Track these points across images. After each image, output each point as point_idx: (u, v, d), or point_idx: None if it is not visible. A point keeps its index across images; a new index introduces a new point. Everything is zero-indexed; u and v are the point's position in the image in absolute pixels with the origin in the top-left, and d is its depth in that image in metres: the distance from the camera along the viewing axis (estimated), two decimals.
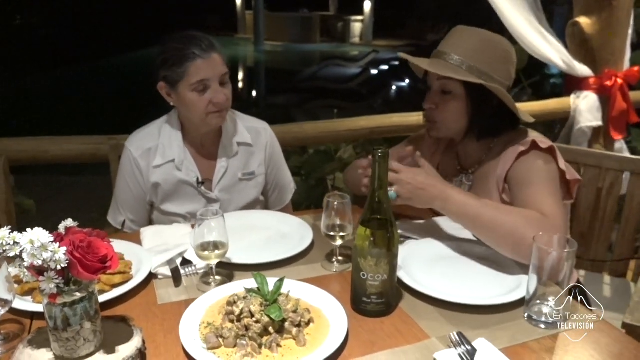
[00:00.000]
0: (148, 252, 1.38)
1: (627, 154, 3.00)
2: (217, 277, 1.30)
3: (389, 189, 1.34)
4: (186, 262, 1.37)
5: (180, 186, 1.69)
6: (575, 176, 1.45)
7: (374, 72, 14.53)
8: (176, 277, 1.30)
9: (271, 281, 1.15)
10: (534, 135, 1.48)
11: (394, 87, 12.70)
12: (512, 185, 1.45)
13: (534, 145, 1.42)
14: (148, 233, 1.51)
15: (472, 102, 1.47)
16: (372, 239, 1.12)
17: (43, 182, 4.89)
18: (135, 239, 1.50)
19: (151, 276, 1.30)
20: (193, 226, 1.56)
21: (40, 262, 0.86)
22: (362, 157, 1.56)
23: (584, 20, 2.84)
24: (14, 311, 1.10)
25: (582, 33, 2.83)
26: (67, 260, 0.87)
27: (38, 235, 0.84)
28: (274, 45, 20.61)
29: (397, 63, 15.28)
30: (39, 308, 1.13)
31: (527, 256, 1.17)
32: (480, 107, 1.47)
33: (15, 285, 1.15)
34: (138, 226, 1.75)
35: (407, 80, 12.65)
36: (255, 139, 1.78)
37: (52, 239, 0.86)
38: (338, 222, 1.35)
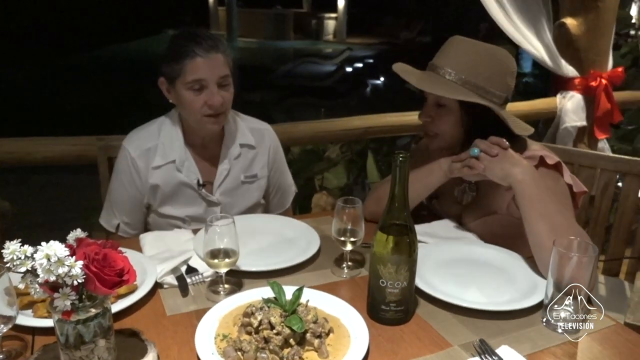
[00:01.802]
0: (151, 259, 1.32)
1: (609, 153, 3.05)
2: (227, 286, 1.25)
3: (472, 147, 1.38)
4: (191, 270, 1.32)
5: (180, 188, 1.63)
6: (582, 188, 1.44)
7: (349, 69, 14.50)
8: (183, 286, 1.25)
9: (285, 289, 1.11)
10: (536, 147, 1.47)
11: (369, 85, 12.71)
12: None
13: (542, 162, 1.41)
14: (148, 239, 1.45)
15: (467, 116, 1.45)
16: (392, 245, 1.09)
17: (15, 181, 4.72)
18: (134, 245, 1.44)
19: (157, 285, 1.25)
20: (195, 231, 1.51)
21: (54, 278, 0.80)
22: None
23: (570, 21, 2.86)
24: (12, 326, 1.03)
25: (569, 34, 2.85)
26: (83, 275, 0.81)
27: (55, 249, 0.78)
28: (248, 42, 20.37)
29: (371, 61, 15.31)
30: (40, 323, 1.07)
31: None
32: (476, 121, 1.45)
33: None
34: (133, 230, 1.69)
35: (382, 79, 12.69)
36: (258, 140, 1.73)
37: (68, 252, 0.80)
38: (349, 226, 1.32)
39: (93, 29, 16.79)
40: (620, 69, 2.96)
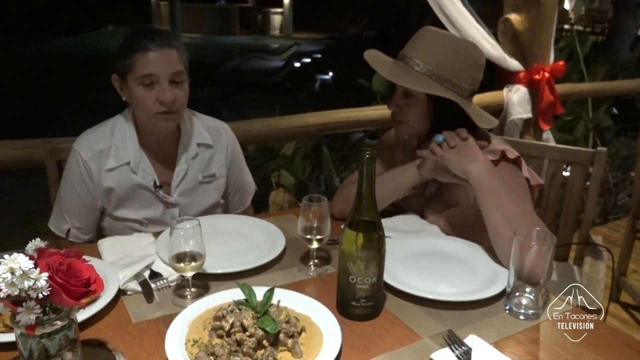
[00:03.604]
0: (112, 266, 1.27)
1: (553, 143, 3.19)
2: (193, 290, 1.23)
3: (437, 135, 1.43)
4: (155, 275, 1.28)
5: (136, 191, 1.58)
6: (538, 181, 1.51)
7: (297, 65, 14.48)
8: (147, 292, 1.21)
9: (254, 290, 1.09)
10: (497, 142, 1.52)
11: (318, 80, 12.73)
12: None
13: (503, 156, 1.45)
14: (107, 245, 1.40)
15: (434, 107, 1.49)
16: (361, 242, 1.10)
17: None
18: (91, 252, 1.38)
19: (119, 292, 1.21)
20: (155, 235, 1.47)
21: (16, 292, 0.76)
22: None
23: (514, 17, 2.97)
24: None
25: (513, 29, 2.96)
26: (49, 287, 0.77)
27: (19, 261, 0.73)
28: (192, 37, 19.96)
29: (319, 56, 15.35)
30: None
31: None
32: (442, 111, 1.49)
33: None
34: (85, 234, 1.63)
35: (331, 74, 12.76)
36: (215, 139, 1.70)
37: (33, 264, 0.76)
38: (315, 224, 1.31)
39: (27, 24, 15.97)
40: (561, 63, 3.10)
